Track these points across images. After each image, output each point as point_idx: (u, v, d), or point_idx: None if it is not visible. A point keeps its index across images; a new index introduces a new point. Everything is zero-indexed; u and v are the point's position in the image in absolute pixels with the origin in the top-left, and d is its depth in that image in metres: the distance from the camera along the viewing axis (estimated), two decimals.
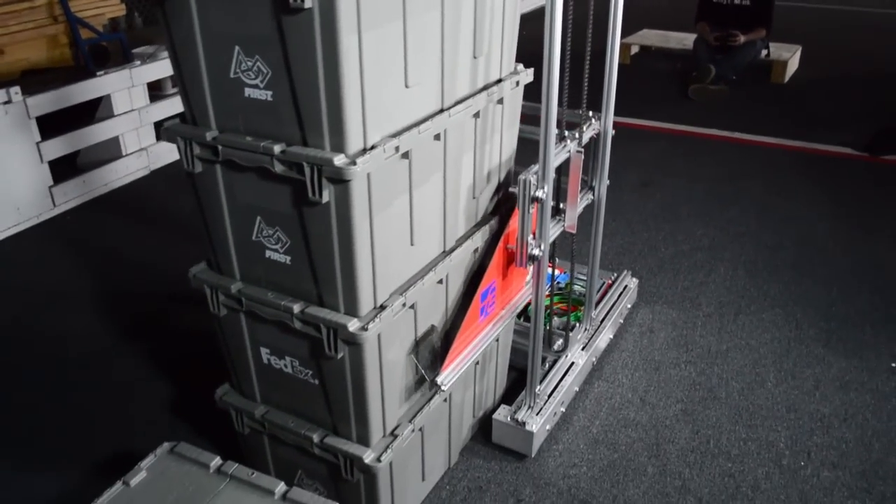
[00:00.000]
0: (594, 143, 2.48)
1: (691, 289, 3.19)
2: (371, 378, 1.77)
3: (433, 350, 2.04)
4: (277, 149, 1.58)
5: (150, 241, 3.70)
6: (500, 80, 2.06)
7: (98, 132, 4.23)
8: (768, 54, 5.90)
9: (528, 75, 2.15)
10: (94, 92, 4.18)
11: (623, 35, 6.47)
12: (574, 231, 2.39)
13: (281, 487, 1.71)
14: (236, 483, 1.74)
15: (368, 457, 1.84)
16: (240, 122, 1.66)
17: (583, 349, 2.62)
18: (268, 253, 1.76)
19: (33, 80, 4.18)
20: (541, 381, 2.40)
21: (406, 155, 1.69)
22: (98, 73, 4.23)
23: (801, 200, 3.93)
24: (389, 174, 1.66)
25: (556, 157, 2.11)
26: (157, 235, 3.76)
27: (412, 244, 1.83)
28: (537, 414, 2.32)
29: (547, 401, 2.37)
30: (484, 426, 2.40)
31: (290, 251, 1.72)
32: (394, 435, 1.91)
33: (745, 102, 5.43)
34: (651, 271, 3.32)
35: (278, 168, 1.59)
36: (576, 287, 2.77)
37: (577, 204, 2.35)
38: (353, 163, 1.52)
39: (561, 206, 2.36)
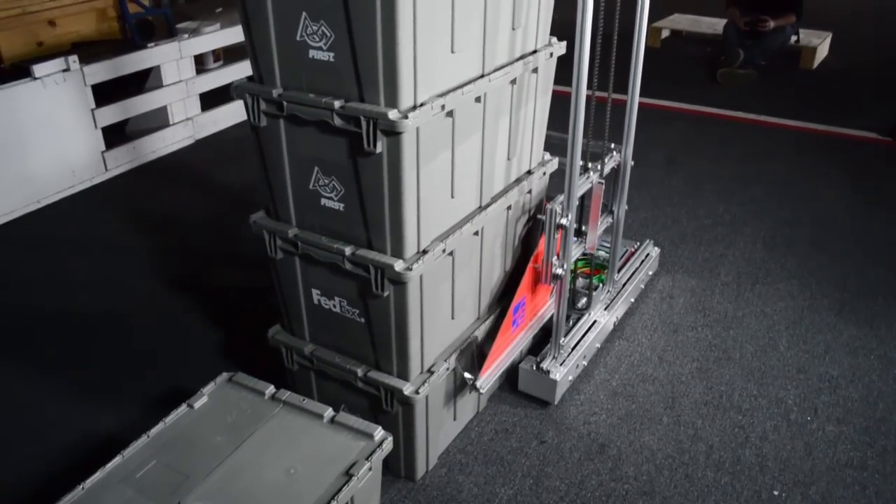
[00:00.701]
0: (615, 172, 2.75)
1: (711, 259, 3.33)
2: (413, 316, 1.95)
3: (472, 356, 2.32)
4: (337, 104, 1.77)
5: (195, 206, 3.92)
6: (535, 51, 2.24)
7: (148, 101, 4.45)
8: (798, 40, 5.97)
9: (560, 48, 2.32)
10: (146, 63, 4.39)
11: (653, 19, 6.58)
12: (594, 251, 2.72)
13: (329, 412, 1.90)
14: (289, 408, 1.94)
15: (408, 389, 2.03)
16: (303, 81, 1.85)
17: (605, 309, 2.79)
18: (323, 201, 1.95)
19: (84, 51, 4.39)
20: (565, 335, 2.57)
21: (450, 114, 1.87)
22: (149, 45, 4.43)
23: (822, 181, 4.04)
24: (435, 130, 1.84)
25: (579, 187, 2.39)
26: (202, 200, 3.97)
27: (452, 197, 2.01)
28: (561, 364, 2.49)
29: (570, 353, 2.54)
30: (511, 376, 2.58)
31: (343, 199, 1.91)
32: (430, 372, 2.10)
33: (772, 87, 5.52)
34: (673, 243, 3.47)
35: (337, 122, 1.78)
36: (600, 253, 2.94)
37: (597, 228, 2.64)
38: (406, 117, 1.71)
39: (583, 228, 2.65)
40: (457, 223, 2.07)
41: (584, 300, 2.76)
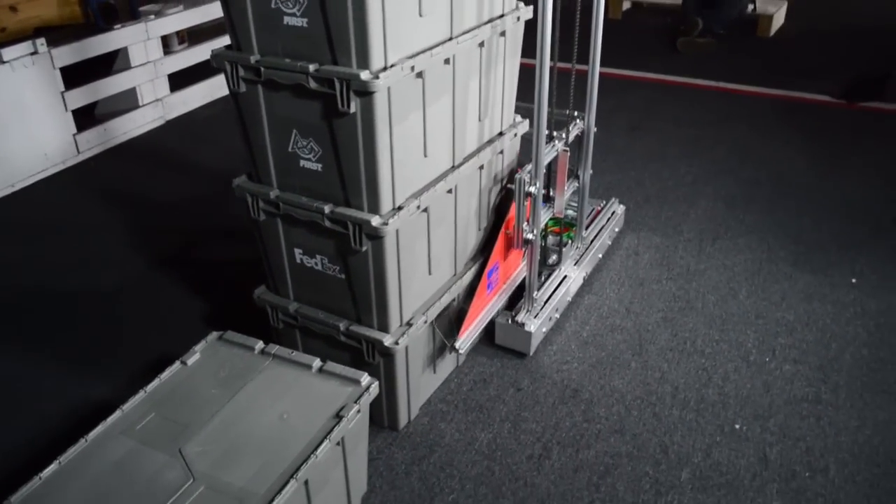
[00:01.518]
0: (579, 139, 2.87)
1: (674, 218, 3.48)
2: (390, 270, 2.06)
3: (450, 321, 2.44)
4: (312, 67, 1.86)
5: (168, 185, 3.97)
6: (502, 15, 2.34)
7: (117, 83, 4.47)
8: (755, 9, 6.12)
9: (528, 12, 2.42)
10: (113, 44, 4.41)
11: None
12: (562, 216, 2.85)
13: (317, 362, 2.01)
14: (279, 361, 2.04)
15: (388, 340, 2.14)
16: (279, 48, 1.93)
17: (575, 265, 2.91)
18: (302, 162, 2.04)
19: (50, 35, 4.39)
20: (538, 290, 2.70)
21: (420, 75, 1.97)
22: (115, 28, 4.45)
23: (780, 143, 4.20)
24: (406, 90, 1.93)
25: (546, 156, 2.50)
26: (175, 179, 4.03)
27: (426, 155, 2.11)
28: (535, 317, 2.62)
29: (543, 307, 2.67)
30: (488, 331, 2.69)
31: (321, 160, 2.00)
32: (409, 324, 2.21)
33: (731, 54, 5.67)
34: (637, 204, 3.61)
35: (312, 84, 1.87)
36: (568, 212, 3.06)
37: (564, 194, 2.78)
38: (377, 77, 1.80)
39: (551, 194, 2.76)
40: (431, 181, 2.17)
41: (554, 257, 2.88)
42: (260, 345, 2.09)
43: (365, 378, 1.94)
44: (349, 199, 2.02)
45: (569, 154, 2.69)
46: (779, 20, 6.31)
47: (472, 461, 2.23)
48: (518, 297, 2.72)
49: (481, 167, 2.40)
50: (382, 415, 2.32)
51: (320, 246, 2.13)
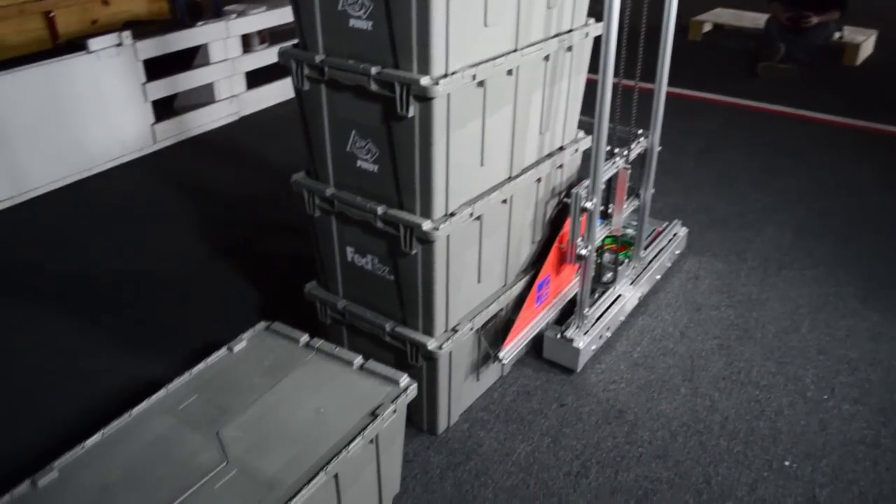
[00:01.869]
0: (642, 157, 2.81)
1: (739, 244, 3.38)
2: (439, 275, 2.06)
3: (497, 330, 2.43)
4: (374, 70, 1.88)
5: (237, 179, 4.07)
6: (570, 30, 2.32)
7: (195, 77, 4.61)
8: (841, 37, 5.93)
9: (597, 28, 2.40)
10: (194, 40, 4.56)
11: (695, 12, 6.59)
12: (619, 234, 2.83)
13: (359, 360, 2.02)
14: (321, 355, 2.06)
15: (432, 344, 2.14)
16: (344, 48, 1.96)
17: (630, 284, 2.86)
18: (359, 163, 2.06)
19: (138, 30, 4.57)
20: (589, 307, 2.66)
21: (481, 84, 1.97)
22: (197, 24, 4.60)
23: (858, 175, 4.05)
24: (466, 98, 1.94)
25: (605, 172, 2.47)
26: (244, 173, 4.12)
27: (482, 164, 2.10)
28: (585, 334, 2.58)
29: (594, 324, 2.63)
30: (536, 344, 2.67)
31: (377, 161, 2.02)
32: (454, 330, 2.20)
33: (812, 82, 5.51)
34: (702, 228, 3.52)
35: (373, 87, 1.89)
36: (628, 231, 3.01)
37: (622, 212, 2.74)
38: (436, 83, 1.81)
39: (609, 210, 2.73)
40: (486, 190, 2.16)
41: (609, 275, 2.84)
42: (305, 338, 2.11)
43: (404, 379, 1.94)
44: (403, 201, 2.03)
45: (629, 172, 2.64)
46: (867, 49, 6.10)
47: (508, 472, 2.21)
48: (569, 312, 2.68)
49: (539, 180, 2.39)
50: (422, 418, 2.32)
51: (372, 246, 2.15)
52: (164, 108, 4.60)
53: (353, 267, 2.24)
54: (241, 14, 4.87)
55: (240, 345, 2.10)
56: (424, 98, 1.83)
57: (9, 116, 3.72)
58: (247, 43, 5.06)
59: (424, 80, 1.81)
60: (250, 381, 1.96)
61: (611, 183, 2.65)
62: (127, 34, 4.20)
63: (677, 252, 3.22)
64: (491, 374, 2.53)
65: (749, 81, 5.54)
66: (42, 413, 2.47)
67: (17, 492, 1.67)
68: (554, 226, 2.61)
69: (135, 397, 1.94)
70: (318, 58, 1.98)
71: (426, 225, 1.97)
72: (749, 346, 2.74)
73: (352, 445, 1.74)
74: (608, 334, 2.72)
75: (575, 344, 2.53)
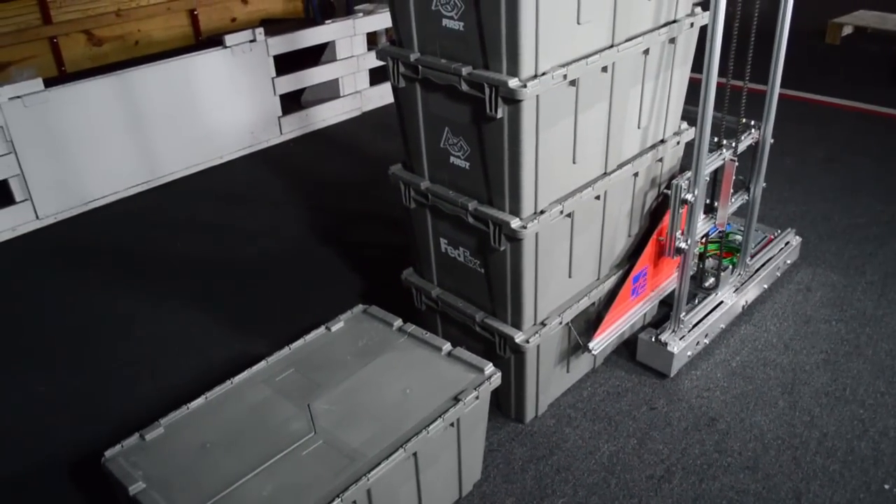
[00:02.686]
0: (753, 149, 2.68)
1: (858, 257, 3.22)
2: (527, 271, 2.10)
3: (588, 322, 2.42)
4: (465, 71, 1.93)
5: (354, 171, 4.24)
6: (674, 21, 2.28)
7: (321, 73, 4.83)
8: None
9: (703, 18, 2.34)
10: (322, 37, 4.77)
11: (835, 14, 6.26)
12: (724, 228, 2.70)
13: (447, 346, 2.09)
14: (412, 339, 2.15)
15: (519, 337, 2.18)
16: (437, 47, 2.03)
17: (734, 292, 2.79)
18: (452, 159, 2.13)
19: (270, 26, 4.84)
20: (687, 313, 2.62)
21: (573, 83, 1.99)
22: (326, 22, 4.81)
23: None
24: (556, 98, 1.96)
25: (709, 164, 2.38)
26: (361, 165, 4.29)
27: (574, 162, 2.12)
28: (680, 339, 2.54)
29: (691, 329, 2.59)
30: (630, 346, 2.66)
31: (469, 158, 2.08)
32: (543, 324, 2.23)
33: None
34: (820, 238, 3.37)
35: (464, 87, 1.95)
36: (737, 237, 2.93)
37: (727, 206, 2.61)
38: (524, 86, 1.84)
39: (715, 204, 2.61)
40: (578, 187, 2.18)
41: (711, 280, 2.78)
42: (399, 322, 2.21)
43: (489, 367, 2.00)
44: (492, 198, 2.08)
45: (737, 164, 2.54)
46: None
47: (590, 470, 2.22)
48: (668, 316, 2.65)
49: (636, 174, 2.37)
50: (510, 406, 2.37)
51: (463, 239, 2.21)
52: (293, 102, 4.85)
53: (447, 257, 2.32)
54: (368, 13, 5.06)
55: (338, 325, 2.22)
56: (513, 100, 1.86)
57: (151, 106, 4.04)
58: (373, 41, 5.25)
59: (513, 83, 1.84)
60: (344, 359, 2.08)
61: (717, 176, 2.57)
62: (260, 31, 4.46)
63: (789, 262, 3.10)
64: (582, 366, 2.54)
65: (887, 87, 5.21)
66: (157, 378, 2.69)
67: (127, 443, 1.86)
68: (654, 218, 2.57)
69: (239, 369, 2.10)
70: (413, 56, 2.06)
71: (514, 223, 2.01)
72: (858, 363, 2.61)
73: (432, 427, 1.81)
74: (706, 341, 2.66)
75: (669, 348, 2.51)
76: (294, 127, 4.75)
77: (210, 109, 4.29)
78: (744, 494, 2.13)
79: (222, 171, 4.34)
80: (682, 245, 2.42)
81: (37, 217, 3.77)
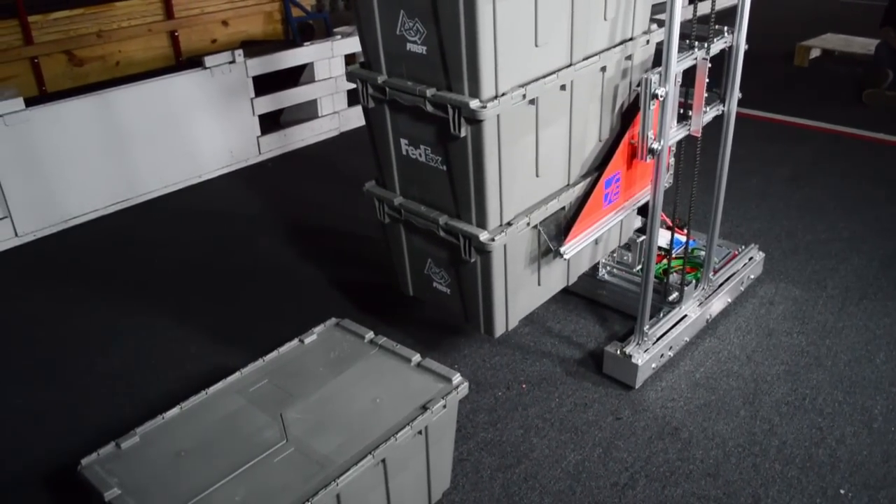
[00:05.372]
0: (727, 56, 2.54)
1: (820, 272, 3.32)
2: (490, 163, 2.06)
3: (559, 225, 2.36)
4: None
5: (328, 188, 4.31)
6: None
7: (300, 94, 4.91)
8: None
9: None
10: (300, 59, 4.86)
11: (804, 38, 6.43)
12: (699, 135, 2.52)
13: (416, 357, 2.15)
14: (383, 351, 2.21)
15: (484, 236, 2.16)
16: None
17: (698, 306, 2.88)
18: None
19: (251, 48, 4.93)
20: (652, 326, 2.70)
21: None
22: (305, 44, 4.90)
23: None
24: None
25: (680, 62, 2.27)
26: (335, 184, 4.36)
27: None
28: (645, 351, 2.62)
29: (656, 342, 2.67)
30: (597, 359, 2.73)
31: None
32: (510, 224, 2.23)
33: None
34: (784, 253, 3.47)
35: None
36: (701, 252, 3.02)
37: (702, 110, 2.47)
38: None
39: (689, 113, 2.51)
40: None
41: (675, 294, 2.86)
42: (370, 335, 2.27)
43: (456, 377, 2.06)
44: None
45: (709, 66, 2.39)
46: None
47: (557, 478, 2.28)
48: (633, 329, 2.73)
49: (604, 69, 2.35)
50: (479, 318, 2.35)
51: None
52: (271, 122, 4.92)
53: (408, 160, 2.28)
54: (346, 35, 5.16)
55: (311, 337, 2.28)
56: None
57: (131, 125, 4.10)
58: (352, 62, 5.35)
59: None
60: (316, 370, 2.14)
61: (690, 81, 2.41)
62: (239, 52, 4.53)
63: (752, 277, 3.20)
64: (554, 281, 2.52)
65: (853, 109, 5.37)
66: (134, 391, 2.74)
67: (103, 451, 1.90)
68: (625, 120, 2.52)
69: (214, 380, 2.15)
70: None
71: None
72: (818, 374, 2.70)
73: (400, 434, 1.87)
74: (670, 354, 2.75)
75: (634, 360, 2.58)
76: (273, 146, 4.82)
77: (189, 129, 4.35)
78: (705, 500, 2.20)
79: (202, 190, 4.39)
80: (655, 146, 2.30)
81: (16, 234, 3.80)
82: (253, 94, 4.62)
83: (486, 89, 1.96)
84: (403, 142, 2.21)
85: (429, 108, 2.04)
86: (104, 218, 4.08)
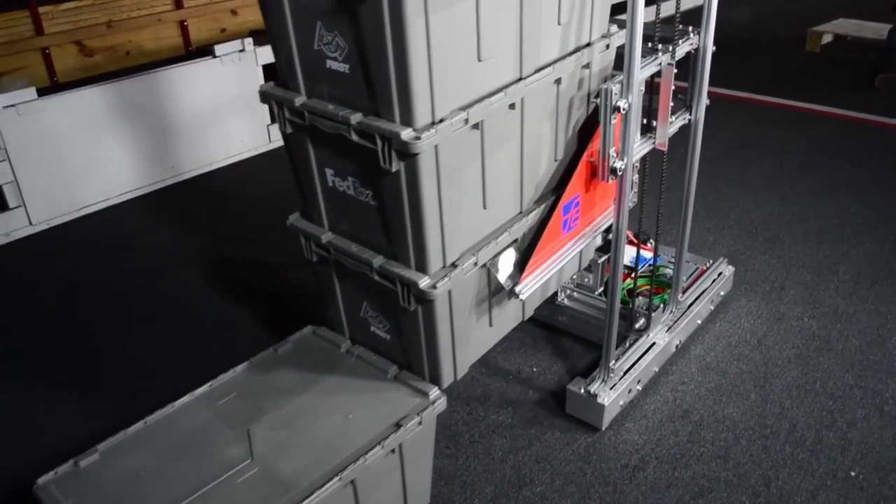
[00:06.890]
0: (693, 59, 2.31)
1: (832, 257, 3.31)
2: (428, 197, 1.78)
3: (514, 264, 2.12)
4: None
5: None
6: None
7: None
8: None
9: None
10: None
11: (815, 23, 6.38)
12: (664, 149, 2.27)
13: (393, 370, 2.10)
14: (360, 362, 2.16)
15: (424, 283, 1.85)
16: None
17: (667, 331, 2.64)
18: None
19: (258, 37, 4.93)
20: (618, 358, 2.46)
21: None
22: None
23: None
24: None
25: (644, 68, 2.01)
26: None
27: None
28: (611, 388, 2.38)
29: (622, 377, 2.42)
30: (559, 397, 2.52)
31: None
32: (454, 266, 1.93)
33: None
34: (795, 238, 3.46)
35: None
36: (667, 270, 2.83)
37: (667, 121, 2.21)
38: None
39: (653, 123, 2.24)
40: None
41: (642, 321, 2.60)
42: (347, 344, 2.22)
43: (434, 392, 1.99)
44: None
45: (674, 70, 2.15)
46: None
47: (567, 460, 2.29)
48: (598, 364, 2.45)
49: (558, 81, 2.02)
50: (423, 368, 2.07)
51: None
52: None
53: (335, 192, 1.99)
54: None
55: (285, 346, 2.22)
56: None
57: (140, 116, 4.12)
58: None
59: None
60: (289, 382, 2.07)
61: (655, 88, 2.18)
62: (249, 41, 4.54)
63: (722, 293, 3.00)
64: (508, 318, 2.24)
65: (865, 94, 5.33)
66: (103, 404, 2.62)
67: (61, 469, 1.83)
68: (583, 137, 2.24)
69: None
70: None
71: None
72: (828, 358, 2.70)
73: (370, 454, 1.80)
74: (639, 388, 2.51)
75: (599, 400, 2.34)
76: None
77: (201, 117, 4.37)
78: (715, 482, 2.20)
79: (213, 178, 4.42)
80: (618, 164, 2.03)
81: (30, 223, 3.83)
82: (263, 82, 4.61)
83: (421, 115, 1.65)
84: (329, 171, 1.91)
85: (354, 137, 1.71)
86: (116, 206, 4.11)
